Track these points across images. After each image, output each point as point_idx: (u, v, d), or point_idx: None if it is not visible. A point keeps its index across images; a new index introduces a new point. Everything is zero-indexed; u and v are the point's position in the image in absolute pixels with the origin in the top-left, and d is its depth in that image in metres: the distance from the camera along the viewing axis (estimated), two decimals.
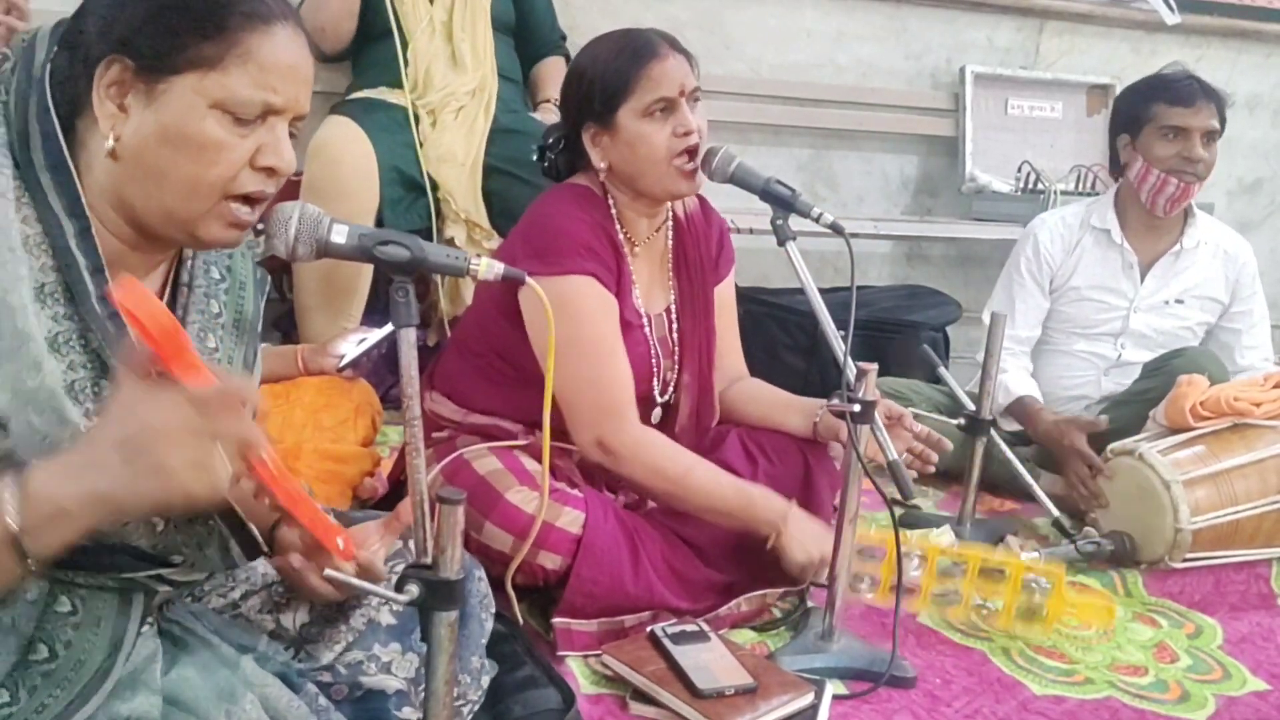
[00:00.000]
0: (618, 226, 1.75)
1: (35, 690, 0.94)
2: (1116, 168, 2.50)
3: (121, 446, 0.84)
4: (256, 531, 1.10)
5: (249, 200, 1.00)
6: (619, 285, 1.72)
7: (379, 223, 2.43)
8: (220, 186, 0.97)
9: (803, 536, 1.66)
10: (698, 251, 1.87)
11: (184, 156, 0.95)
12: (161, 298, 1.08)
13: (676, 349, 1.85)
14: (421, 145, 2.52)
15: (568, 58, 2.84)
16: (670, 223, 1.85)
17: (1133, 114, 2.41)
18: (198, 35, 0.94)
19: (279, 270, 2.65)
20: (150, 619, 1.06)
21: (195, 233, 0.99)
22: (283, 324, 2.80)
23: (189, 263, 1.09)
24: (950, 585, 1.77)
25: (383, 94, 2.57)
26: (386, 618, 1.20)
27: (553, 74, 2.80)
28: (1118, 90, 3.63)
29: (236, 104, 0.96)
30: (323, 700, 1.12)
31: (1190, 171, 2.34)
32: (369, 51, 2.63)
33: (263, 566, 1.19)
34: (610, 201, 1.75)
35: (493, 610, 1.34)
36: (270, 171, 1.00)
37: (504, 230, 2.51)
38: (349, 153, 2.42)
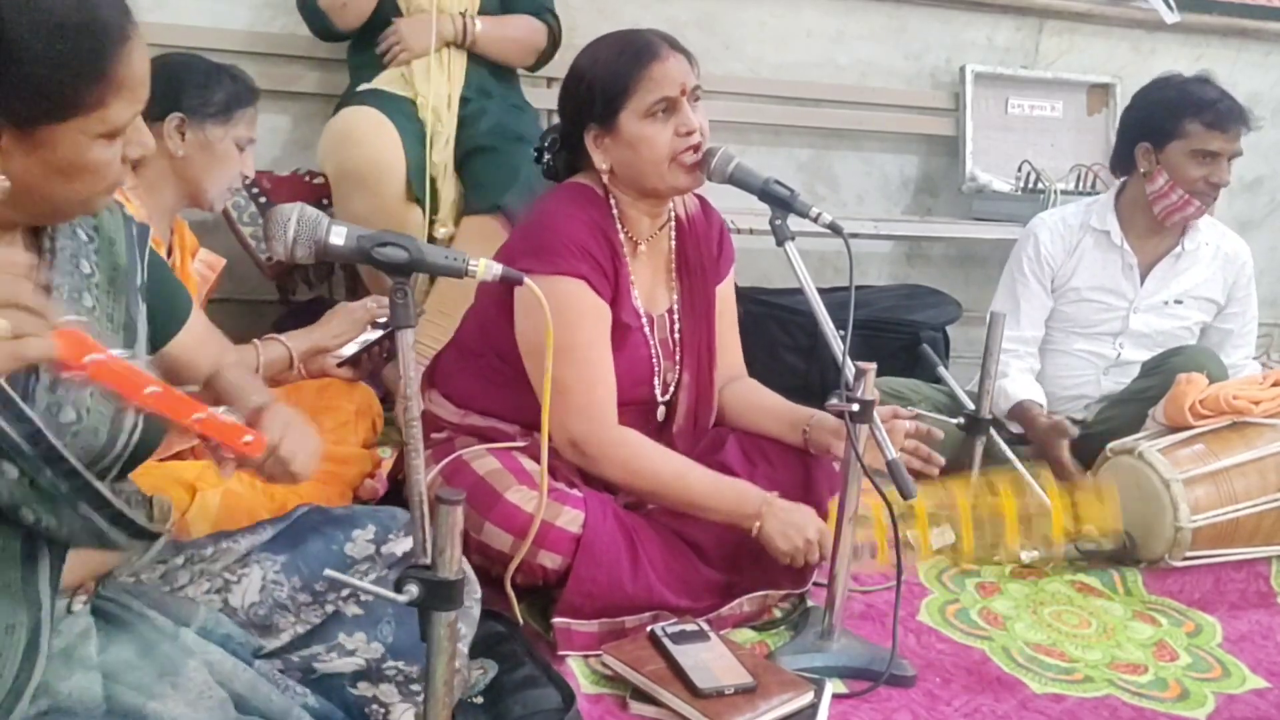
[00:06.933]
0: (619, 226, 1.75)
1: None
2: (1122, 167, 2.46)
3: None
4: (138, 513, 1.03)
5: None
6: (616, 287, 1.72)
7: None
8: (107, 190, 1.03)
9: (784, 524, 1.66)
10: (699, 252, 1.87)
11: (77, 182, 1.00)
12: None
13: (678, 350, 1.85)
14: (430, 145, 2.55)
15: (551, 29, 2.74)
16: (673, 223, 1.85)
17: (1159, 124, 2.33)
18: (81, 82, 0.96)
19: (286, 273, 2.65)
20: (85, 597, 1.08)
21: (91, 213, 1.08)
22: (283, 326, 2.80)
23: (48, 229, 1.10)
24: (945, 520, 1.75)
25: (388, 83, 2.59)
26: (352, 609, 1.21)
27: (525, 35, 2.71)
28: (1118, 89, 3.65)
29: (117, 127, 1.00)
30: (278, 675, 1.13)
31: (1212, 195, 2.34)
32: (366, 45, 2.64)
33: (210, 548, 1.21)
34: (612, 201, 1.75)
35: (476, 597, 1.34)
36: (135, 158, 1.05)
37: (484, 203, 2.54)
38: (376, 136, 2.47)
